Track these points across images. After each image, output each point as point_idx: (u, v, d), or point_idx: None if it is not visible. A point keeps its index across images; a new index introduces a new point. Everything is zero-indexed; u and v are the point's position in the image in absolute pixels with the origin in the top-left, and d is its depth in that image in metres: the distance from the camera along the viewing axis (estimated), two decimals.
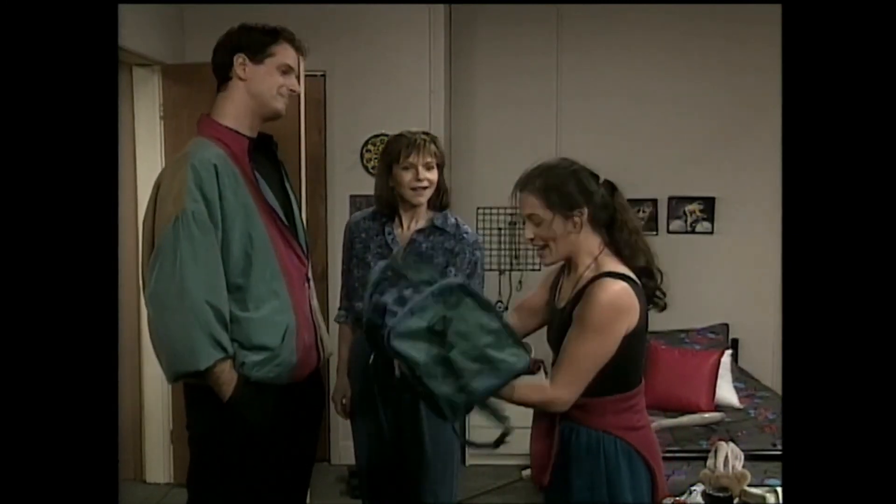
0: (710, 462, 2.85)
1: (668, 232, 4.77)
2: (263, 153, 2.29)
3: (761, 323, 4.61)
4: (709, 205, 4.74)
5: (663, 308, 2.06)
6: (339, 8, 4.35)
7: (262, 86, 2.18)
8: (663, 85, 4.71)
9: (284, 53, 2.21)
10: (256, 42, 2.18)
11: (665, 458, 3.06)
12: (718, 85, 4.68)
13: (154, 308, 2.06)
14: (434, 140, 2.67)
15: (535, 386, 1.93)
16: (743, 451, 2.89)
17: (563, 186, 1.97)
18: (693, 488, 2.86)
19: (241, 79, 2.18)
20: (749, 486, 2.72)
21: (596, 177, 2.03)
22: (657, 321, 4.81)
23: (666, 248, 4.76)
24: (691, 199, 4.75)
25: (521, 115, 4.78)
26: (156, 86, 4.05)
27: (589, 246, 1.99)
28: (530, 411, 2.05)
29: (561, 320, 2.01)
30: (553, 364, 2.05)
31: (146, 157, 4.09)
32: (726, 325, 4.68)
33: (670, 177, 4.74)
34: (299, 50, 2.26)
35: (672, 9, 4.65)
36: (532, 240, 2.01)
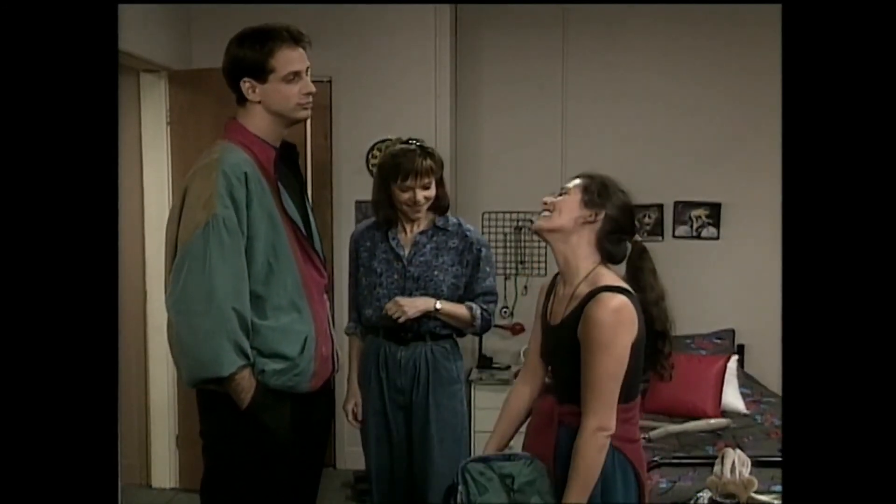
0: (716, 468, 2.84)
1: (674, 237, 4.76)
2: (285, 162, 2.27)
3: (767, 328, 4.56)
4: (715, 210, 4.72)
5: (668, 378, 2.06)
6: (345, 13, 4.36)
7: (277, 103, 2.16)
8: (669, 89, 4.70)
9: (285, 62, 2.14)
10: (253, 63, 2.13)
11: (671, 465, 3.08)
12: (725, 89, 4.67)
13: (179, 312, 2.03)
14: (431, 154, 2.65)
15: (578, 444, 1.90)
16: (749, 456, 2.88)
17: (601, 188, 2.00)
18: (700, 494, 2.85)
19: (255, 102, 2.17)
20: (756, 492, 2.71)
21: (632, 222, 2.04)
22: None
23: (671, 253, 4.82)
24: (697, 205, 4.74)
25: (527, 119, 4.78)
26: (163, 91, 4.07)
27: (586, 256, 1.99)
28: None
29: (558, 338, 2.01)
30: (553, 377, 2.08)
31: (153, 162, 4.11)
32: (732, 330, 4.67)
33: (676, 182, 4.73)
34: (298, 43, 2.18)
35: (678, 13, 4.64)
36: (546, 203, 2.02)
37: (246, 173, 2.07)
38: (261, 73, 2.14)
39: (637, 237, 2.07)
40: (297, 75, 2.17)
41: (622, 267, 2.06)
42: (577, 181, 2.03)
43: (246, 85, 2.15)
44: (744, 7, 4.50)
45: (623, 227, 2.01)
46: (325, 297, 2.34)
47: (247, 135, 2.17)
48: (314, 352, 2.18)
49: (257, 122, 2.18)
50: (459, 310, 2.65)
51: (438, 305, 2.61)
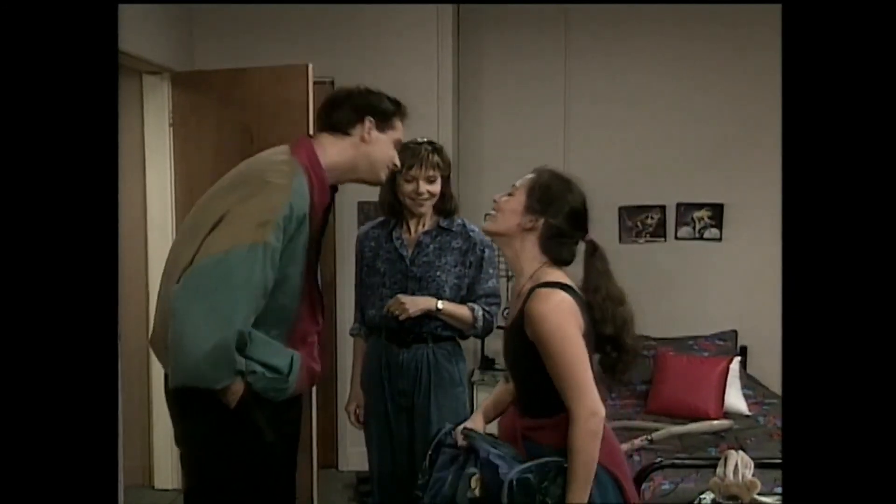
0: (719, 470, 2.84)
1: (677, 238, 4.76)
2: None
3: (770, 330, 4.53)
4: (717, 211, 4.72)
5: (617, 381, 2.04)
6: (347, 14, 4.37)
7: (379, 154, 2.21)
8: (672, 90, 4.70)
9: (400, 128, 2.27)
10: (385, 111, 2.21)
11: (674, 466, 3.07)
12: (728, 90, 4.67)
13: (191, 318, 1.94)
14: (439, 151, 2.68)
15: (569, 441, 1.85)
16: (752, 458, 2.88)
17: (542, 194, 1.99)
18: (702, 496, 2.84)
19: (362, 140, 2.18)
20: (759, 494, 2.71)
21: (582, 225, 2.02)
22: (665, 328, 4.81)
23: (674, 254, 4.80)
24: (700, 206, 4.73)
25: (529, 120, 4.78)
26: (165, 93, 4.07)
27: (531, 258, 1.99)
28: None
29: (509, 340, 2.01)
30: (514, 386, 2.07)
31: (155, 164, 4.12)
32: (735, 331, 4.66)
33: (679, 183, 4.73)
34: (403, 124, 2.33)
35: (680, 14, 4.64)
36: (494, 202, 2.04)
37: (306, 214, 2.05)
38: (385, 122, 2.21)
39: (590, 237, 2.03)
40: (397, 146, 2.28)
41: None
42: (526, 179, 2.03)
43: (367, 123, 2.18)
44: (746, 8, 4.50)
45: (565, 233, 1.99)
46: (316, 339, 2.30)
47: (317, 164, 2.13)
48: (298, 374, 2.17)
49: (337, 155, 2.17)
50: (461, 310, 2.65)
51: (440, 305, 2.61)
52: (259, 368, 2.07)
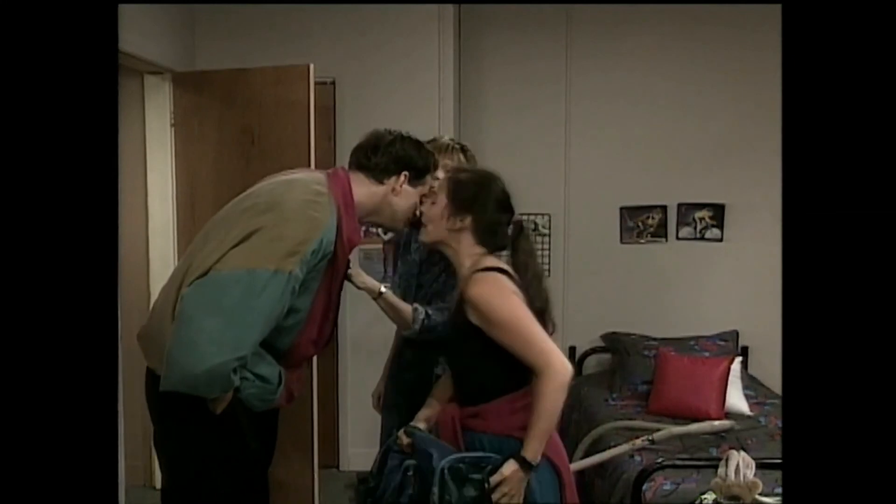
0: (721, 471, 2.84)
1: (678, 239, 4.76)
2: None
3: (771, 330, 4.55)
4: (718, 211, 4.72)
5: None
6: (349, 14, 4.37)
7: (404, 206, 2.25)
8: (673, 91, 4.70)
9: (429, 182, 2.30)
10: (421, 168, 2.26)
11: (675, 467, 3.07)
12: (729, 91, 4.67)
13: (203, 331, 1.90)
14: (464, 150, 2.71)
15: (536, 394, 1.91)
16: (753, 458, 2.88)
17: (465, 195, 2.09)
18: (704, 497, 2.85)
19: (393, 191, 2.23)
20: (760, 494, 2.71)
21: (508, 209, 2.14)
22: (666, 328, 4.80)
23: (675, 254, 4.80)
24: (701, 206, 4.73)
25: (531, 121, 4.78)
26: (166, 93, 4.07)
27: (468, 252, 2.09)
28: None
29: (450, 328, 2.10)
30: (453, 378, 2.15)
31: (157, 164, 4.12)
32: (736, 332, 4.66)
33: (680, 183, 4.73)
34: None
35: (681, 14, 4.64)
36: (421, 214, 2.19)
37: (332, 254, 2.07)
38: (417, 178, 2.25)
39: (517, 216, 2.16)
40: (425, 198, 2.30)
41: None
42: (443, 182, 2.15)
43: (403, 176, 2.23)
44: (746, 8, 4.50)
45: (496, 221, 2.09)
46: (305, 365, 2.32)
47: (350, 205, 2.15)
48: (284, 390, 2.17)
49: (366, 198, 2.21)
50: (402, 306, 2.56)
51: (383, 289, 2.58)
52: (249, 376, 2.06)
